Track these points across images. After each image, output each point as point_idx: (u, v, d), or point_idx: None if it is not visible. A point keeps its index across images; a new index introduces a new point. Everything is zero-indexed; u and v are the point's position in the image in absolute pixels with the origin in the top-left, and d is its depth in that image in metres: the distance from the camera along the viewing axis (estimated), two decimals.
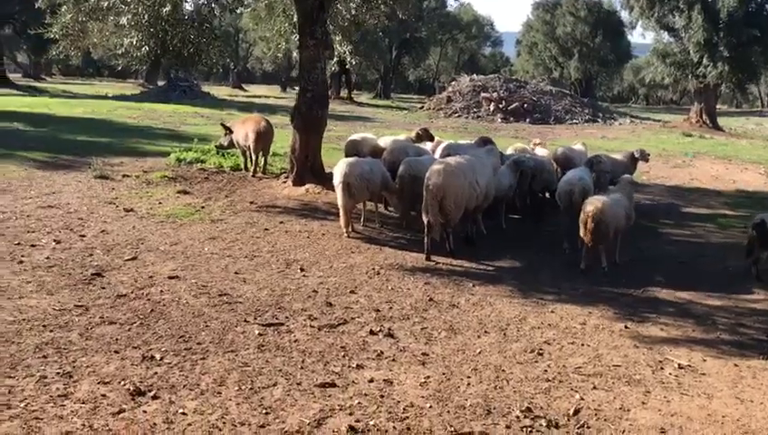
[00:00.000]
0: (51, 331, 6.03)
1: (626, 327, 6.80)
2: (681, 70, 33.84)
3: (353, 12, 13.55)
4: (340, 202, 9.80)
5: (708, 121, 33.89)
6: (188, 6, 10.17)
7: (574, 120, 36.08)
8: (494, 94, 36.52)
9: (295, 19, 13.83)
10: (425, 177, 8.95)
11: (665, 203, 13.46)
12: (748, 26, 30.49)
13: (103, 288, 7.22)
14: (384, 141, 12.51)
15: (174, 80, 36.42)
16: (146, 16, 9.70)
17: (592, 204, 8.56)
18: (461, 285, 7.99)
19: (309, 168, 12.59)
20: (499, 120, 34.45)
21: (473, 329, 6.64)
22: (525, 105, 36.15)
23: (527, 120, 34.88)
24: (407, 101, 52.07)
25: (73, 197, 11.13)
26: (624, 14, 43.19)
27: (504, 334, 6.54)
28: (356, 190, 9.64)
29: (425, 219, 8.85)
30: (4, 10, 39.12)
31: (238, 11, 12.13)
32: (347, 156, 12.37)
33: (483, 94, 36.67)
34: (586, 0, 58.88)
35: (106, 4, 9.77)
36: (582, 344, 6.35)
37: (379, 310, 7.03)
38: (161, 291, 7.24)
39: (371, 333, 6.40)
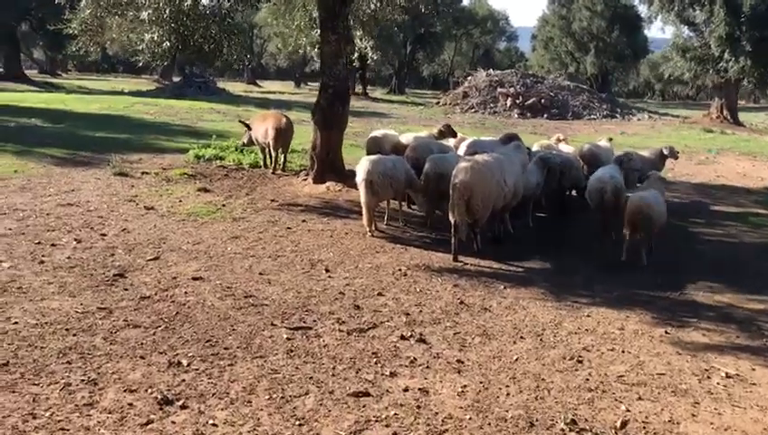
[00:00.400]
0: (74, 335, 5.86)
1: (666, 332, 6.54)
2: (701, 65, 33.30)
3: (374, 6, 13.31)
4: (362, 200, 9.59)
5: (729, 117, 33.45)
6: (208, 1, 9.91)
7: (592, 116, 35.67)
8: (511, 90, 36.17)
9: (315, 14, 13.67)
10: (451, 175, 8.74)
11: (693, 201, 13.15)
12: None
13: (126, 290, 7.05)
14: (406, 138, 12.30)
15: (189, 76, 36.32)
16: (167, 11, 9.52)
17: (641, 200, 8.62)
18: (491, 287, 7.76)
19: (329, 165, 12.38)
20: (516, 115, 34.13)
21: (507, 334, 6.41)
22: (543, 100, 35.78)
23: (544, 115, 34.53)
24: (421, 97, 51.73)
25: (93, 194, 10.99)
26: (642, 9, 42.71)
27: (541, 340, 6.30)
28: (379, 188, 9.43)
29: (451, 219, 8.61)
30: (21, 6, 39.14)
31: (259, 6, 11.82)
32: (368, 153, 12.17)
33: (499, 90, 36.34)
34: None
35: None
36: (623, 351, 6.10)
37: (408, 313, 6.81)
38: (185, 292, 7.06)
39: (402, 338, 6.19)
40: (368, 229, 9.63)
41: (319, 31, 13.50)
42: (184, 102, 27.76)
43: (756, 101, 68.71)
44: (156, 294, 6.99)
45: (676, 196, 13.57)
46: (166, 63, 23.05)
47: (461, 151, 11.49)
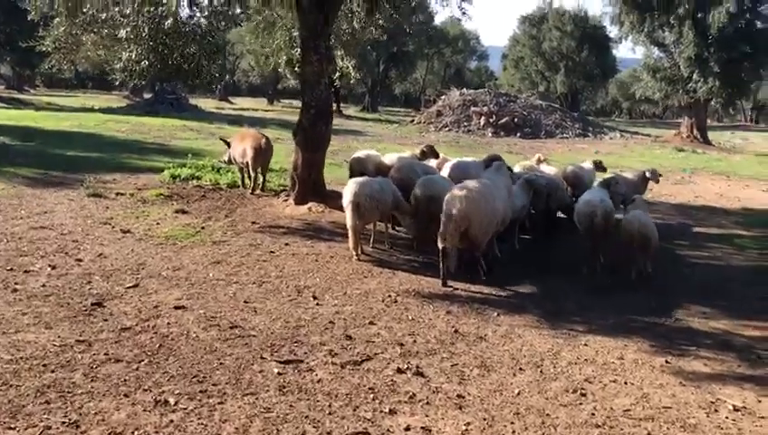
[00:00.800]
0: (52, 371, 5.51)
1: (667, 362, 6.40)
2: (671, 85, 33.93)
3: (356, 26, 13.16)
4: (348, 223, 9.36)
5: (699, 136, 33.99)
6: (189, 19, 9.64)
7: (565, 135, 35.95)
8: (485, 108, 36.33)
9: (294, 33, 13.49)
10: (441, 198, 8.59)
11: (676, 223, 13.15)
12: (738, 42, 30.64)
13: (106, 320, 6.71)
14: (389, 159, 12.12)
15: (161, 92, 35.75)
16: (146, 29, 9.23)
17: (637, 221, 8.96)
18: (485, 314, 7.56)
19: (311, 186, 12.14)
20: (490, 134, 34.25)
21: (506, 365, 6.20)
22: (516, 120, 36.00)
23: (518, 134, 34.73)
24: (394, 115, 51.80)
25: (66, 217, 10.58)
26: (612, 30, 43.44)
27: (541, 371, 6.11)
28: (365, 211, 9.21)
29: (440, 245, 8.41)
30: None
31: (241, 25, 11.60)
32: (352, 173, 11.99)
33: (473, 108, 36.48)
34: (572, 14, 59.09)
35: (104, 17, 9.28)
36: (625, 383, 5.93)
37: (402, 344, 6.58)
38: (168, 323, 6.74)
39: (399, 371, 5.95)
40: (354, 253, 9.39)
41: (299, 50, 13.33)
42: (156, 120, 27.25)
43: (720, 120, 70.09)
44: (137, 324, 6.66)
45: (658, 217, 13.52)
46: (144, 82, 22.59)
47: (445, 173, 11.35)
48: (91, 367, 5.66)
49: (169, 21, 8.87)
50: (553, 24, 59.19)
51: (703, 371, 6.26)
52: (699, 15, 30.87)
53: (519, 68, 64.03)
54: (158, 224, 10.66)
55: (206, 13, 8.95)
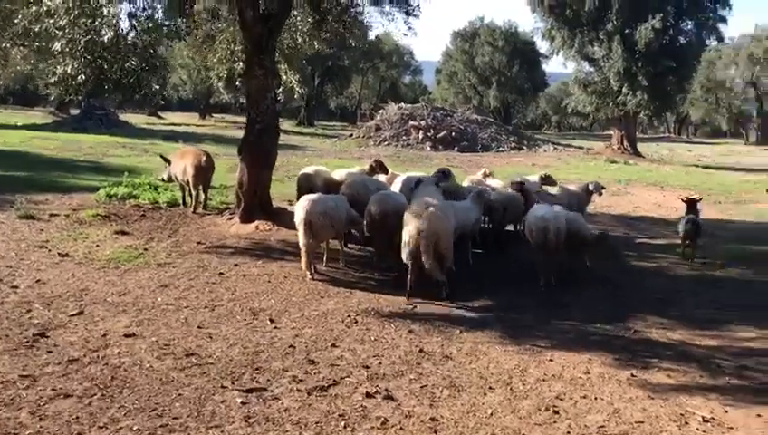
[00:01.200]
0: None
1: (633, 375, 6.40)
2: (602, 98, 34.90)
3: (300, 40, 12.95)
4: (301, 242, 9.10)
5: (629, 148, 35.03)
6: (129, 32, 9.25)
7: (500, 148, 36.49)
8: (423, 123, 36.56)
9: (234, 47, 13.18)
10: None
11: (621, 234, 13.39)
12: (663, 57, 31.78)
13: (50, 352, 6.27)
14: (339, 174, 11.93)
15: (89, 108, 34.49)
16: (82, 42, 8.78)
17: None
18: (447, 332, 7.43)
19: (258, 203, 11.81)
20: (428, 148, 34.42)
21: (476, 385, 6.08)
22: (453, 133, 36.34)
23: (455, 148, 35.00)
24: (330, 129, 51.64)
25: None
26: (543, 45, 44.52)
27: (511, 389, 6.01)
28: (318, 229, 8.99)
29: (406, 261, 8.39)
30: None
31: (185, 40, 11.23)
32: (300, 190, 11.76)
33: (411, 123, 36.65)
34: (503, 30, 60.41)
35: (36, 29, 8.79)
36: (596, 398, 5.89)
37: (368, 366, 6.37)
38: (119, 353, 6.35)
39: (368, 395, 5.74)
40: (307, 273, 9.13)
41: (241, 64, 13.03)
42: (86, 136, 26.33)
43: (644, 132, 72.74)
44: (85, 355, 6.25)
45: (602, 228, 13.79)
46: (80, 97, 21.73)
47: (396, 188, 11.25)
48: (38, 404, 5.25)
49: (108, 35, 8.43)
50: (485, 39, 60.43)
51: (668, 383, 6.29)
52: (627, 31, 31.90)
53: (453, 82, 65.09)
54: (97, 246, 10.15)
55: (147, 27, 8.52)
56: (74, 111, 39.36)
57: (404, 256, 8.34)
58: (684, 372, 6.53)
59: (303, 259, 9.19)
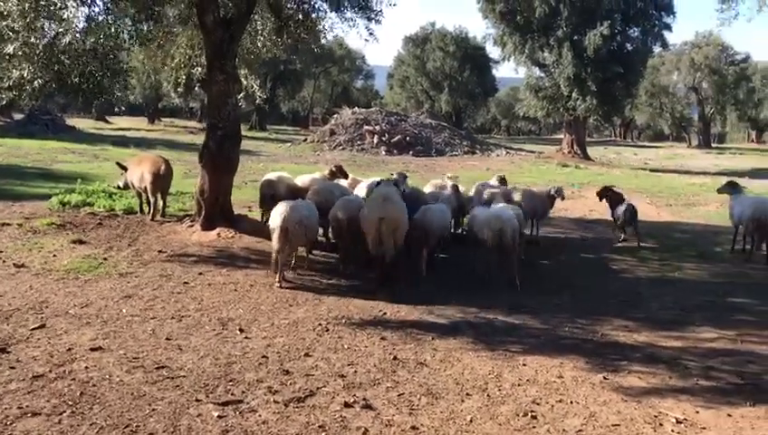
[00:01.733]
0: None
1: (605, 378, 6.49)
2: (552, 103, 35.51)
3: (260, 45, 12.81)
4: (274, 247, 9.04)
5: (579, 152, 35.73)
6: (86, 34, 8.97)
7: (455, 153, 36.83)
8: (377, 127, 36.64)
9: (194, 52, 12.97)
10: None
11: (579, 236, 13.63)
12: (612, 63, 32.55)
13: (13, 368, 6.03)
14: (302, 180, 11.85)
15: (34, 113, 33.50)
16: (39, 46, 8.49)
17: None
18: (419, 338, 7.43)
19: (219, 210, 11.62)
20: (383, 152, 34.52)
21: (452, 392, 6.07)
22: (407, 138, 36.53)
23: (410, 152, 35.20)
24: (283, 133, 51.37)
25: None
26: (494, 51, 45.01)
27: (488, 395, 6.03)
28: (293, 236, 8.93)
29: (373, 252, 8.97)
30: None
31: (149, 45, 10.96)
32: (263, 196, 11.68)
33: (365, 127, 36.69)
34: (454, 36, 61.00)
35: None
36: (571, 402, 5.95)
37: (343, 375, 6.31)
38: (86, 367, 6.14)
39: (346, 405, 5.68)
40: (277, 280, 9.03)
41: (199, 69, 12.83)
42: (33, 142, 25.56)
43: (590, 135, 74.33)
44: (50, 371, 6.02)
45: (560, 231, 14.05)
46: (35, 102, 21.06)
47: (360, 193, 11.23)
48: (5, 424, 5.05)
49: (66, 39, 8.16)
50: (436, 44, 60.94)
51: (640, 385, 6.40)
52: (576, 38, 32.57)
53: (405, 87, 65.42)
54: (54, 256, 9.84)
55: (109, 31, 8.24)
56: (18, 116, 38.15)
57: (370, 247, 8.90)
58: (653, 375, 6.65)
59: (274, 265, 9.12)
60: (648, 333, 7.91)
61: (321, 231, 10.68)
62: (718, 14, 16.11)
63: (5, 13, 8.42)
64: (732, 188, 12.71)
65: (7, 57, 8.97)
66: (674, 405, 5.96)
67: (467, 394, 6.05)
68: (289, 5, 11.01)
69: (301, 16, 10.89)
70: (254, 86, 13.45)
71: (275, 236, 8.84)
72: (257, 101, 18.42)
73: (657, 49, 38.21)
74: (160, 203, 12.79)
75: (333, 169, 12.93)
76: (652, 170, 31.53)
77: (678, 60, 56.34)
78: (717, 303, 9.33)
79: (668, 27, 34.37)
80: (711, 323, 8.31)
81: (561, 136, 41.45)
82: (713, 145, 59.34)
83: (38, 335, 6.83)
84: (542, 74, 35.82)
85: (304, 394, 5.86)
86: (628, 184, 23.93)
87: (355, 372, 6.42)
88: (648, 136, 78.54)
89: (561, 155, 35.67)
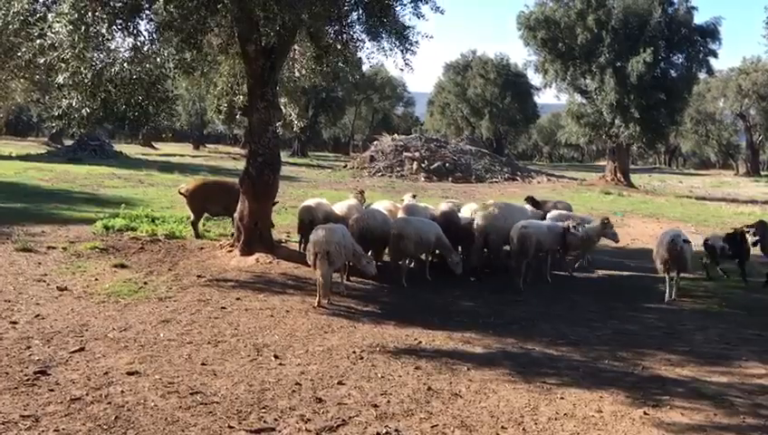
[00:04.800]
0: None
1: (645, 413, 6.29)
2: (595, 130, 35.20)
3: (298, 73, 13.00)
4: (319, 272, 9.22)
5: (623, 179, 35.22)
6: (136, 65, 9.23)
7: (494, 179, 36.63)
8: (417, 154, 36.72)
9: (236, 80, 13.21)
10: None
11: (621, 267, 13.36)
12: (655, 89, 32.14)
13: (52, 390, 6.12)
14: (339, 208, 11.95)
15: (83, 138, 34.49)
16: (89, 76, 8.75)
17: None
18: (454, 368, 7.32)
19: (258, 236, 11.74)
20: (422, 178, 34.53)
21: (487, 424, 5.96)
22: (447, 164, 36.50)
23: (449, 178, 35.14)
24: (324, 159, 51.85)
25: None
26: (535, 77, 44.86)
27: (524, 429, 5.89)
28: (335, 258, 9.10)
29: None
30: None
31: (194, 74, 11.27)
32: (301, 222, 11.79)
33: (405, 153, 36.80)
34: (495, 63, 61.01)
35: (41, 61, 8.77)
36: None
37: (376, 405, 6.25)
38: (122, 391, 6.20)
39: None
40: (325, 302, 9.24)
41: (241, 97, 13.05)
42: (81, 167, 26.27)
43: (634, 163, 73.31)
44: (87, 394, 6.10)
45: (601, 259, 13.80)
46: (83, 130, 21.74)
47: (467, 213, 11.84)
48: None
49: (115, 68, 8.41)
50: (477, 71, 60.97)
51: (682, 421, 6.18)
52: (619, 64, 32.28)
53: (445, 114, 65.50)
54: (96, 280, 10.03)
55: (155, 61, 8.51)
56: (68, 142, 39.33)
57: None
58: (697, 411, 6.42)
59: (323, 289, 9.31)
60: (691, 366, 7.66)
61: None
62: (766, 40, 15.79)
63: (56, 44, 8.69)
64: None
65: (57, 87, 9.26)
66: None
67: (503, 427, 5.93)
68: (328, 35, 11.14)
69: (339, 46, 10.99)
70: (293, 114, 13.62)
71: (319, 261, 9.06)
72: (295, 129, 18.59)
73: (702, 75, 37.64)
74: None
75: (358, 193, 13.26)
76: (698, 198, 30.85)
77: (725, 86, 55.39)
78: (765, 337, 9.00)
79: (714, 54, 33.87)
80: (758, 358, 8.01)
81: (604, 163, 40.90)
82: (762, 172, 57.83)
83: (77, 358, 6.94)
84: (584, 101, 35.54)
85: (336, 423, 5.82)
86: (672, 212, 23.51)
87: (388, 401, 6.35)
88: (694, 163, 77.14)
89: (603, 182, 35.19)
